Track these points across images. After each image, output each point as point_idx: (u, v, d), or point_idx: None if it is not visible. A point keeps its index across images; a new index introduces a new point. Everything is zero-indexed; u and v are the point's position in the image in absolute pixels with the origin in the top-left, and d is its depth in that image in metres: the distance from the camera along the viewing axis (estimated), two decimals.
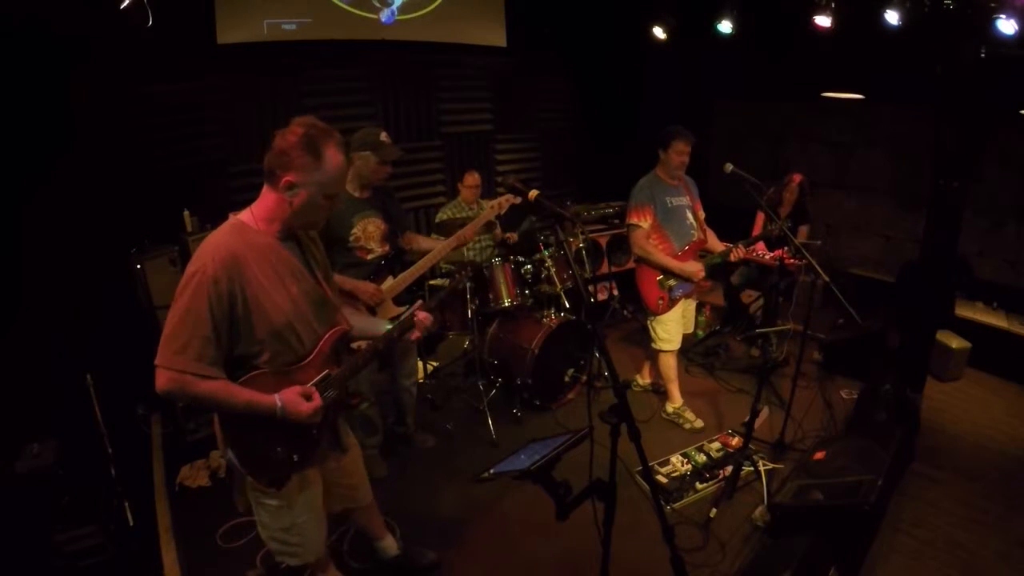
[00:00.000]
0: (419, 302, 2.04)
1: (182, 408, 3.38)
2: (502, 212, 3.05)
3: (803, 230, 4.40)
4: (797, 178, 4.34)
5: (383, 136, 2.68)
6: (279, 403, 1.59)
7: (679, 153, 3.22)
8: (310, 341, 1.70)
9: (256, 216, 1.62)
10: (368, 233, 2.73)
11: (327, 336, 1.74)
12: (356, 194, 2.72)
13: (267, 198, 1.62)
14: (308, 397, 1.65)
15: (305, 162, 1.54)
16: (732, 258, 3.39)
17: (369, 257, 2.74)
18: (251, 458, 1.66)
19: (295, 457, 1.72)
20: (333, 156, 1.58)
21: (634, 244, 3.35)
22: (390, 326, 1.96)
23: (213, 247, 1.53)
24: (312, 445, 1.76)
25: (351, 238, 2.67)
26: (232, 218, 1.63)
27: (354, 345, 2.02)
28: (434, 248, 2.88)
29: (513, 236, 4.22)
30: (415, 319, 1.96)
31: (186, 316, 1.49)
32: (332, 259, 2.51)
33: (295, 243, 1.71)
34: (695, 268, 3.28)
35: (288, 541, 1.85)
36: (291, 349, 1.66)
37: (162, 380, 1.49)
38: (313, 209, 1.62)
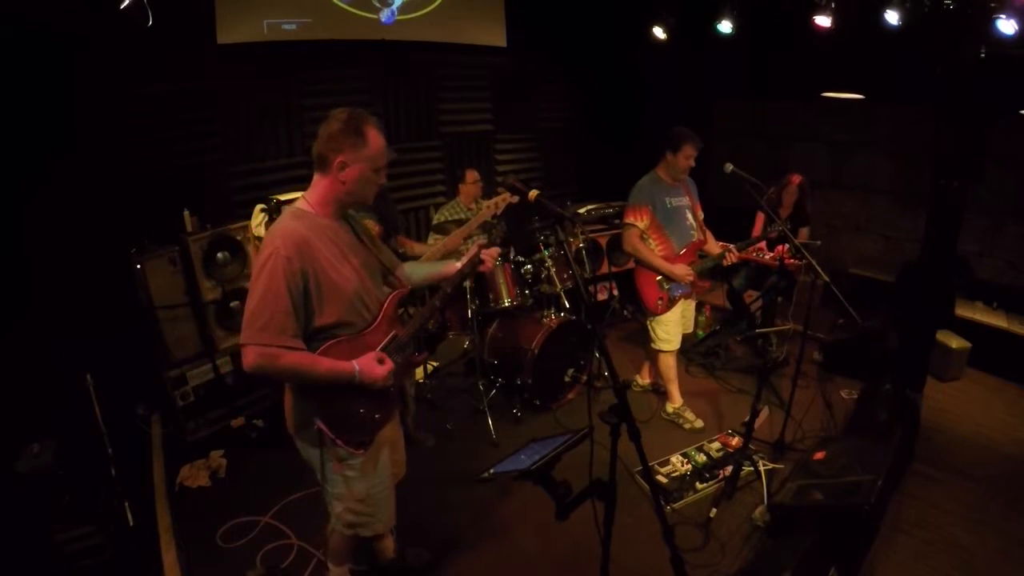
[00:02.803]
0: (481, 240, 2.16)
1: (182, 407, 3.39)
2: (499, 212, 3.05)
3: (803, 232, 4.39)
4: (796, 179, 4.33)
5: None
6: (356, 368, 1.72)
7: (687, 157, 3.22)
8: (375, 307, 1.87)
9: (311, 202, 1.77)
10: None
11: (388, 300, 1.90)
12: None
13: (320, 184, 1.77)
14: (381, 361, 1.79)
15: (353, 141, 1.70)
16: (725, 263, 3.38)
17: None
18: (339, 421, 1.78)
19: (376, 416, 1.85)
20: (374, 134, 1.74)
21: (626, 242, 3.35)
22: (460, 264, 2.09)
23: (282, 231, 1.67)
24: (391, 402, 1.93)
25: None
26: (291, 207, 1.78)
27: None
28: (426, 252, 2.87)
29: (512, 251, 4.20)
30: (482, 255, 2.10)
31: (266, 295, 1.61)
32: None
33: (345, 221, 1.87)
34: (684, 271, 3.27)
35: (363, 512, 1.97)
36: (362, 316, 1.82)
37: (251, 356, 1.61)
38: (364, 184, 1.76)
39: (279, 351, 1.62)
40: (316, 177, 1.77)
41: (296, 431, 1.88)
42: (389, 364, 1.80)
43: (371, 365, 1.75)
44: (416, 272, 2.13)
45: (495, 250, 2.14)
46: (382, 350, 1.82)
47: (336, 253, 1.75)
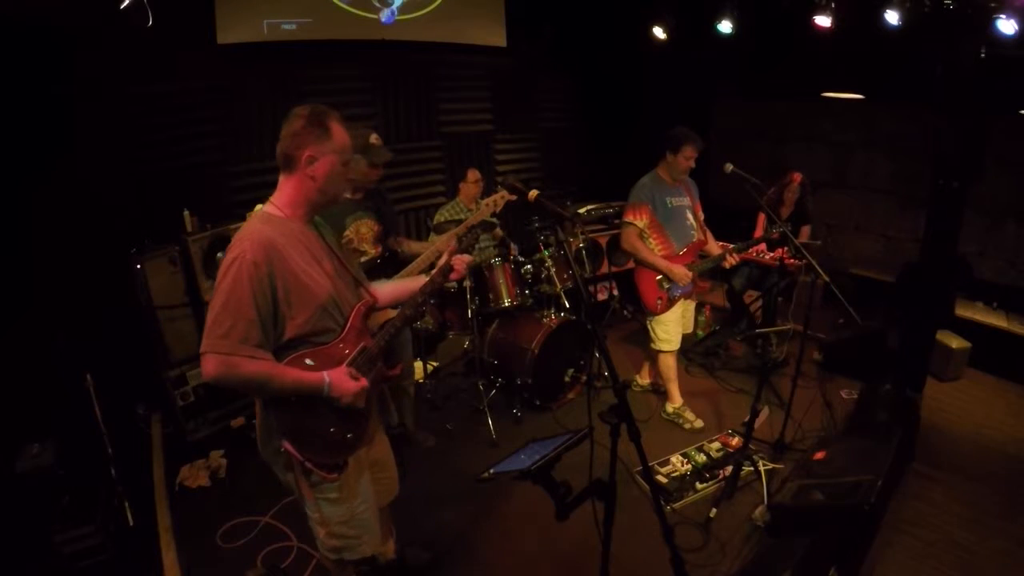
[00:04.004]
0: (453, 246, 2.02)
1: (182, 407, 3.38)
2: (498, 210, 3.05)
3: (805, 230, 4.39)
4: (797, 177, 4.34)
5: (373, 138, 2.66)
6: (327, 380, 1.62)
7: (687, 158, 3.23)
8: (346, 316, 1.77)
9: (279, 205, 1.69)
10: (361, 235, 2.72)
11: (355, 311, 1.78)
12: (348, 195, 2.71)
13: (287, 185, 1.69)
14: (355, 378, 1.69)
15: (317, 134, 1.64)
16: (726, 264, 3.38)
17: (362, 260, 2.73)
18: (307, 442, 1.67)
19: (349, 436, 1.74)
20: (337, 127, 1.68)
21: (624, 241, 3.35)
22: (429, 275, 1.97)
23: (249, 234, 1.58)
24: (364, 421, 1.80)
25: (343, 240, 2.66)
26: (258, 212, 1.70)
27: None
28: (425, 251, 2.87)
29: (514, 249, 4.21)
30: (452, 263, 1.96)
31: (228, 301, 1.52)
32: None
33: (313, 227, 1.78)
34: (682, 273, 3.27)
35: (347, 534, 1.87)
36: (338, 323, 1.73)
37: (210, 365, 1.51)
38: (335, 177, 1.70)
39: (240, 360, 1.51)
40: (282, 179, 1.69)
41: (267, 455, 1.76)
42: (363, 382, 1.69)
43: (343, 379, 1.65)
44: (383, 290, 1.98)
45: (467, 258, 1.99)
46: (350, 364, 1.71)
47: (307, 257, 1.66)
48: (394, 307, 2.06)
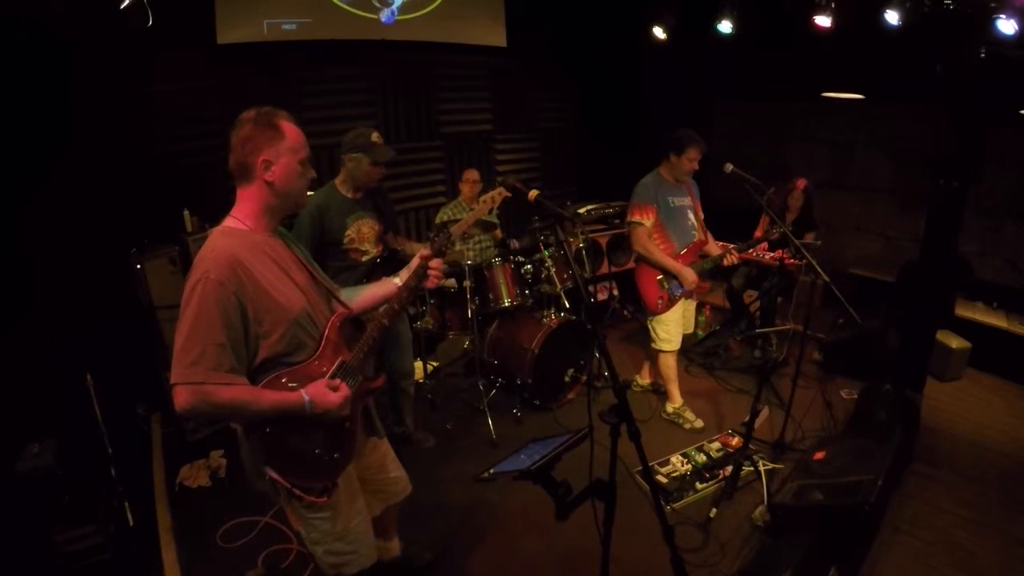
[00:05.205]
0: (425, 250, 1.92)
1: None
2: (495, 207, 3.05)
3: (808, 237, 4.37)
4: (801, 183, 4.33)
5: (375, 137, 2.65)
6: (306, 398, 1.55)
7: (691, 160, 3.24)
8: (321, 330, 1.69)
9: (240, 218, 1.61)
10: (362, 235, 2.71)
11: (329, 323, 1.71)
12: (349, 195, 2.70)
13: (245, 196, 1.62)
14: (334, 388, 1.61)
15: (269, 136, 1.58)
16: (726, 263, 3.38)
17: (363, 259, 2.73)
18: (294, 468, 1.61)
19: (336, 455, 1.68)
20: (288, 125, 1.62)
21: (635, 242, 3.35)
22: (400, 280, 1.88)
23: (212, 252, 1.50)
24: (349, 438, 1.73)
25: (344, 240, 2.66)
26: (219, 227, 1.62)
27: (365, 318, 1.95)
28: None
29: (515, 243, 4.22)
30: (429, 269, 1.87)
31: (196, 325, 1.45)
32: (324, 263, 2.49)
33: (279, 238, 1.71)
34: (691, 275, 3.28)
35: (344, 551, 1.82)
36: (313, 339, 1.65)
37: (181, 398, 1.43)
38: (294, 179, 1.62)
39: (213, 388, 1.43)
40: (240, 192, 1.62)
41: (257, 485, 1.69)
42: (345, 390, 1.63)
43: (323, 393, 1.57)
44: (352, 297, 1.89)
45: (438, 262, 1.88)
46: (331, 379, 1.64)
47: (276, 271, 1.58)
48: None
